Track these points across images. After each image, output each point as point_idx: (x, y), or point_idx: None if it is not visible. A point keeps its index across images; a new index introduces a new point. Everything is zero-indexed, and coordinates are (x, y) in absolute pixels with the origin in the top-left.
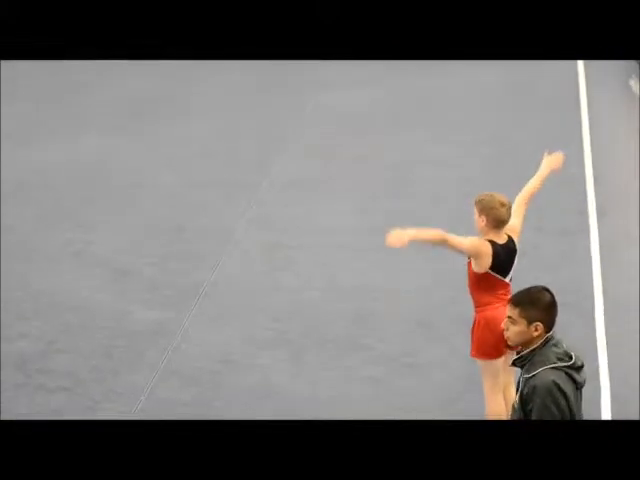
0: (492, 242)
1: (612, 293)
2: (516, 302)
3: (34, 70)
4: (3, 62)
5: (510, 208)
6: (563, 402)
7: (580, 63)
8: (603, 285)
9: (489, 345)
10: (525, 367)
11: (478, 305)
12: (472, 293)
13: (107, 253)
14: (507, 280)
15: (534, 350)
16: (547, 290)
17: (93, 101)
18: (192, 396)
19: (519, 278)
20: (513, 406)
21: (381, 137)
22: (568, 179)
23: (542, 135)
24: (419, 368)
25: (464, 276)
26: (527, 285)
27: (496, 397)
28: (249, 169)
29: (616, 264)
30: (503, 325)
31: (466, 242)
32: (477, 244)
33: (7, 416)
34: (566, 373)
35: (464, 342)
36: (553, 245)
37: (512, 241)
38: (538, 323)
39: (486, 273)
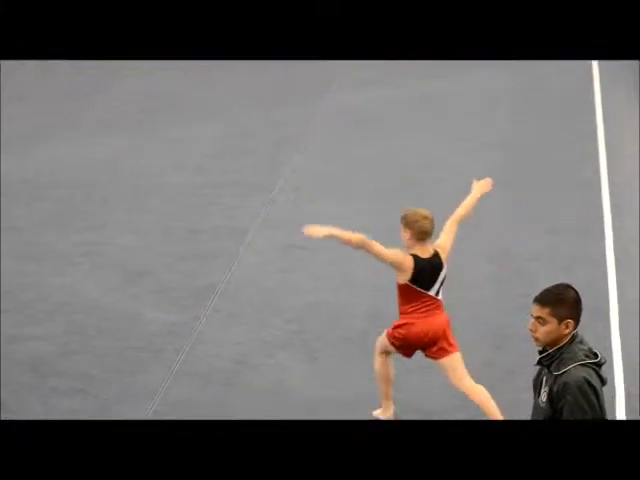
0: (415, 256)
1: (627, 294)
2: (544, 302)
3: (48, 70)
4: (15, 62)
5: (432, 221)
6: (594, 398)
7: (594, 65)
8: (618, 286)
9: (402, 347)
10: (553, 365)
11: (400, 313)
12: (398, 301)
13: (120, 254)
14: (431, 293)
15: (561, 348)
16: (571, 287)
17: (106, 101)
18: (207, 397)
19: (535, 278)
20: (538, 404)
21: (394, 139)
22: (583, 181)
23: (556, 138)
24: (434, 369)
25: (474, 278)
26: (542, 286)
27: (382, 354)
28: (263, 169)
29: (631, 265)
30: (530, 326)
31: (389, 253)
32: (399, 257)
33: (21, 417)
34: (594, 370)
35: (478, 343)
36: (568, 247)
37: (438, 256)
38: (569, 320)
39: (407, 285)
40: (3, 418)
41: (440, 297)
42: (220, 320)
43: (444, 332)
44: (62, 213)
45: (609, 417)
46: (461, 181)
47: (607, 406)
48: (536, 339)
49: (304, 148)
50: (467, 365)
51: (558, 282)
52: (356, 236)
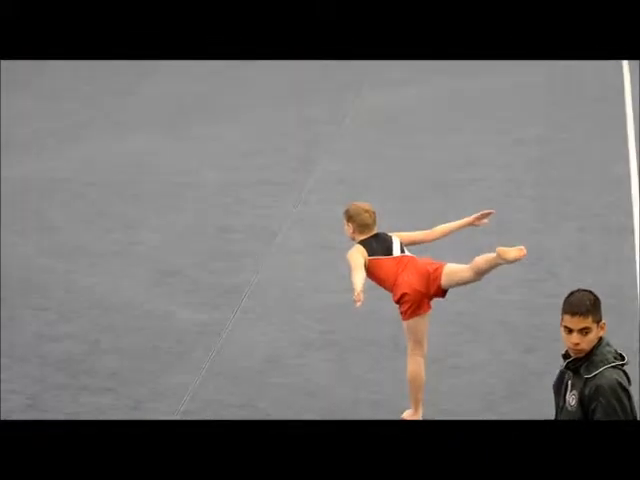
0: (360, 241)
1: None
2: (586, 311)
3: (81, 69)
4: (48, 61)
5: (373, 214)
6: (626, 401)
7: (624, 63)
8: None
9: (415, 304)
10: (582, 368)
11: (392, 288)
12: (385, 287)
13: (152, 253)
14: (396, 255)
15: (591, 350)
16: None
17: (139, 100)
18: (236, 396)
19: (565, 279)
20: (565, 408)
21: (426, 137)
22: (613, 179)
23: (587, 135)
24: (464, 370)
25: (504, 278)
26: (572, 286)
27: (416, 358)
28: (294, 169)
29: None
30: (575, 340)
31: (353, 261)
32: (353, 251)
33: (52, 416)
34: (624, 372)
35: (507, 344)
36: (597, 246)
37: (382, 234)
38: (603, 321)
39: (370, 261)
40: (34, 417)
41: (408, 253)
42: (250, 320)
43: (430, 263)
44: (95, 212)
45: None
46: (493, 180)
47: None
48: (581, 350)
49: (335, 148)
50: (497, 366)
51: (584, 284)
52: (360, 274)
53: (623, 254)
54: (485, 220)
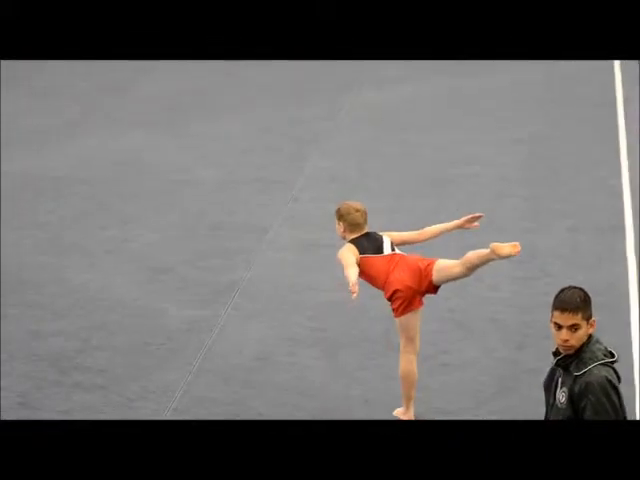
0: (352, 239)
1: None
2: (576, 308)
3: (77, 66)
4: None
5: (365, 213)
6: (615, 398)
7: (617, 64)
8: (639, 285)
9: (407, 300)
10: (572, 365)
11: (384, 286)
12: (376, 286)
13: (143, 250)
14: (387, 253)
15: (580, 348)
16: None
17: (137, 98)
18: (227, 394)
19: (556, 277)
20: (555, 405)
21: (422, 135)
22: (604, 178)
23: (578, 135)
24: (455, 367)
25: (496, 276)
26: (564, 284)
27: (408, 356)
28: (286, 166)
29: None
30: (564, 336)
31: (345, 259)
32: (345, 250)
33: (43, 413)
34: (613, 369)
35: (498, 342)
36: (588, 245)
37: (373, 233)
38: (594, 318)
39: (362, 259)
40: (26, 415)
41: (398, 252)
42: (241, 317)
43: (421, 259)
44: (88, 209)
45: (628, 416)
46: (488, 178)
47: (628, 408)
48: (570, 347)
49: (330, 145)
50: (488, 363)
51: (575, 282)
52: (352, 268)
53: (615, 253)
54: (475, 223)
